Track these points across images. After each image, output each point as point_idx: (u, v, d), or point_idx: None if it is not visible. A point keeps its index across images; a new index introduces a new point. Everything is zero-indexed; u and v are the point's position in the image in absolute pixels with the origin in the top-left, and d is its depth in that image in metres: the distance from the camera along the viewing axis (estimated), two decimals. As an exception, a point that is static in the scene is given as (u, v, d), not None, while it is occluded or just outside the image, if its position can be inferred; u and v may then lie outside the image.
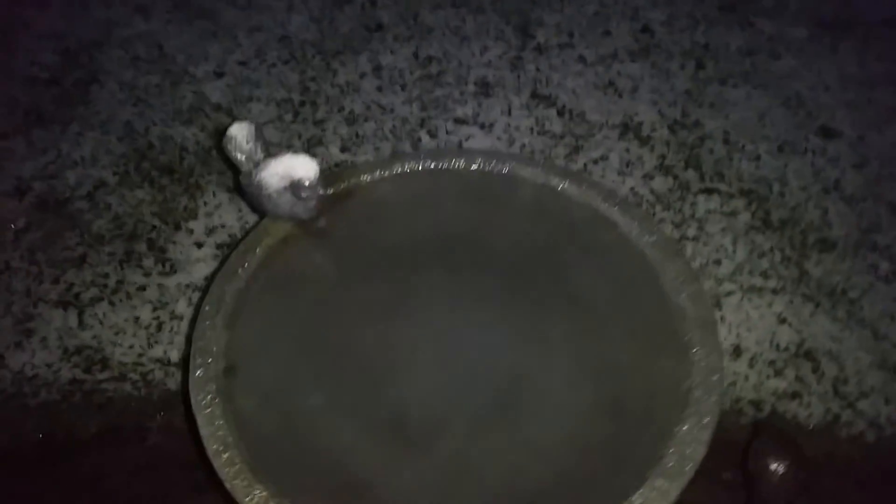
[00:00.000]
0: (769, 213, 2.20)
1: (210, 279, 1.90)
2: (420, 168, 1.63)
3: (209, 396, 1.33)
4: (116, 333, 2.02)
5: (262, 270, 1.50)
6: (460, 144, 2.33)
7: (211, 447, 1.27)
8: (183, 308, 2.07)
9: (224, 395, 1.34)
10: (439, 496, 1.28)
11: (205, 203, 2.27)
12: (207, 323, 1.41)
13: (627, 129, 2.41)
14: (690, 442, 1.24)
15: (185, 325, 2.04)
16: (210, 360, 1.37)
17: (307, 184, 1.45)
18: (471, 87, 2.52)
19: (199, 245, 2.18)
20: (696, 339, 1.34)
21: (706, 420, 1.26)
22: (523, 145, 2.35)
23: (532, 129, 2.40)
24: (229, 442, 1.28)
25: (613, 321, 1.44)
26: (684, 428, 1.26)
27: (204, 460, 1.81)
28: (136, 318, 2.05)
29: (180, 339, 2.02)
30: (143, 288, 2.10)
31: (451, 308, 1.49)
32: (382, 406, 1.39)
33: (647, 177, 2.28)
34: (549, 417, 1.36)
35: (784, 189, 2.27)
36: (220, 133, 2.39)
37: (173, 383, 1.94)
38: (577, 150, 2.33)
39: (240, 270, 1.48)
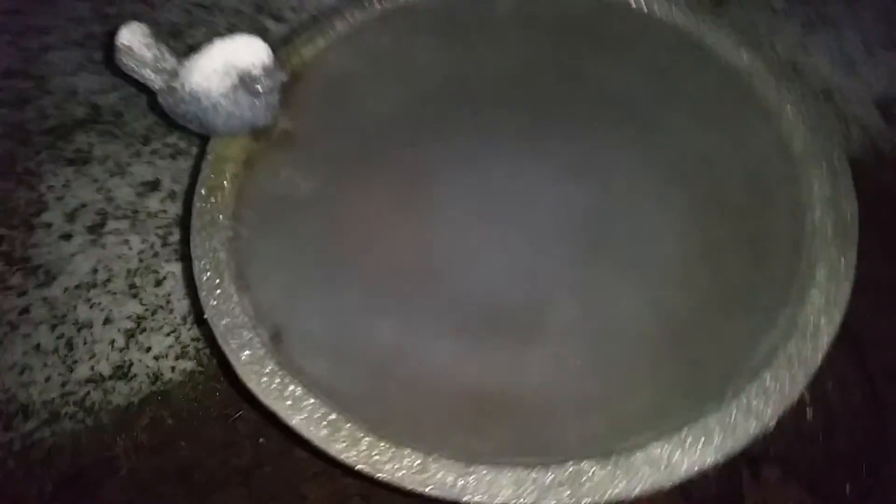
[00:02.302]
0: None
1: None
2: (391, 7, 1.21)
3: (278, 379, 0.93)
4: (21, 373, 1.50)
5: (244, 208, 1.07)
6: (315, 18, 1.89)
7: (317, 433, 0.90)
8: (85, 313, 1.56)
9: (288, 367, 0.95)
10: (546, 378, 1.00)
11: (49, 188, 1.70)
12: (218, 293, 0.98)
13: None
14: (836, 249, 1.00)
15: (97, 331, 1.55)
16: (250, 337, 0.96)
17: (262, 71, 1.02)
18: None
19: (67, 237, 1.65)
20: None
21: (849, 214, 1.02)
22: None
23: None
24: (334, 419, 0.90)
25: (704, 137, 1.15)
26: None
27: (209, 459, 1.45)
28: (37, 346, 1.52)
29: (102, 348, 1.53)
30: (25, 310, 1.56)
31: (493, 171, 1.16)
32: (463, 303, 1.06)
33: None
34: (656, 261, 1.08)
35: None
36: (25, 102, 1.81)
37: (120, 398, 1.49)
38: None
39: (219, 217, 1.04)
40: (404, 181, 1.13)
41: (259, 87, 1.04)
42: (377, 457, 0.90)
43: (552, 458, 0.90)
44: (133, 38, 1.05)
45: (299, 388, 0.93)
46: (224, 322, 0.97)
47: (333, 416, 0.92)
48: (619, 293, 1.04)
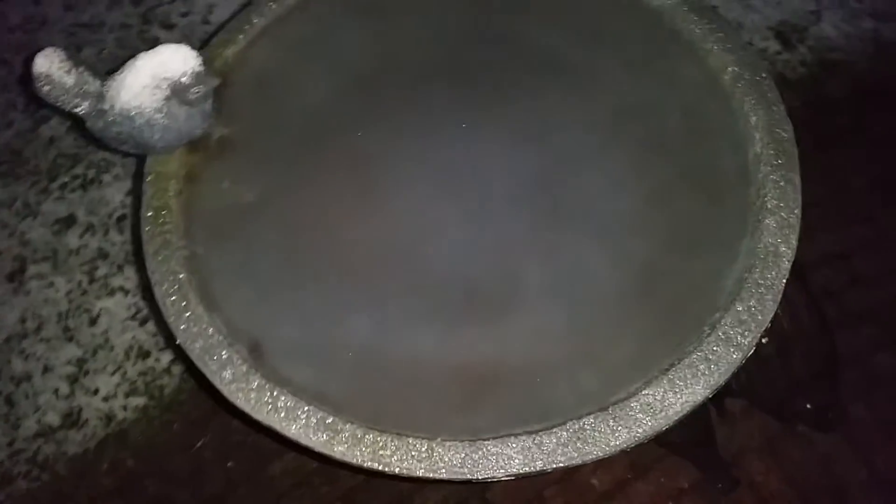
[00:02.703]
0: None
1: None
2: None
3: (267, 393, 0.90)
4: (-39, 443, 1.41)
5: (194, 224, 1.03)
6: (206, 21, 1.83)
7: (317, 439, 0.88)
8: (21, 366, 1.48)
9: (273, 378, 0.92)
10: (531, 345, 1.00)
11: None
12: (187, 315, 0.94)
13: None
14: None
15: (38, 382, 1.47)
16: (228, 355, 0.92)
17: (193, 79, 0.98)
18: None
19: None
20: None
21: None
22: None
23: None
24: (332, 422, 0.89)
25: (639, 83, 1.16)
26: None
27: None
28: (-26, 413, 1.44)
29: (47, 399, 1.46)
30: (-50, 377, 1.47)
31: (440, 146, 1.14)
32: (435, 283, 1.05)
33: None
34: (613, 213, 1.09)
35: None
36: None
37: (75, 447, 1.42)
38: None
39: (171, 238, 1.00)
40: (352, 169, 1.11)
41: (192, 95, 1.00)
42: (382, 451, 0.88)
43: (552, 421, 0.91)
44: (50, 64, 0.98)
45: (290, 398, 0.90)
46: (199, 344, 0.93)
47: (331, 420, 0.90)
48: (584, 250, 1.05)
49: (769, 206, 1.00)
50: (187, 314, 0.95)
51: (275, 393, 0.91)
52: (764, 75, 1.09)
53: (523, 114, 1.14)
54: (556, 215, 1.08)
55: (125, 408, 1.46)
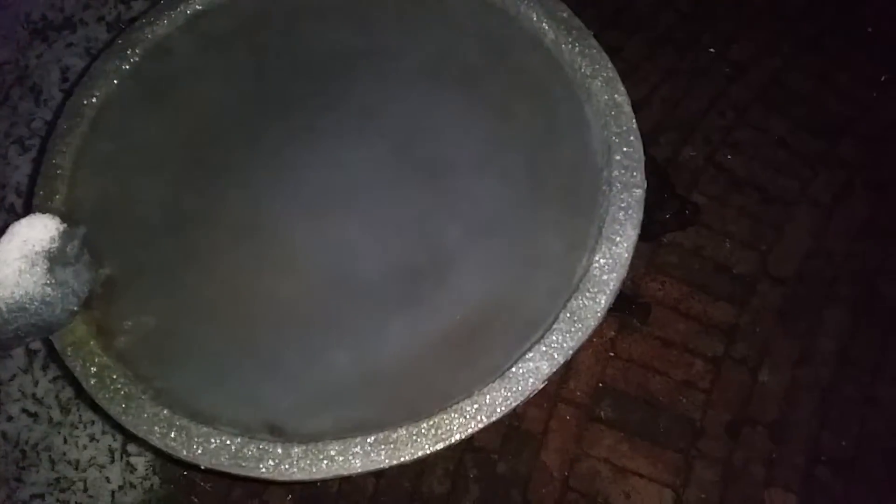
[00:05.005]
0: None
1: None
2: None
3: (317, 451, 0.93)
4: None
5: (140, 363, 1.01)
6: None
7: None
8: None
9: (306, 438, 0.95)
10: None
11: None
12: (205, 442, 0.93)
13: None
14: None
15: None
16: (263, 447, 0.94)
17: (63, 238, 0.95)
18: None
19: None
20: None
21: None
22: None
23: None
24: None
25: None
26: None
27: None
28: None
29: None
30: None
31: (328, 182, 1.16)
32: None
33: None
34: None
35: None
36: None
37: None
38: None
39: (129, 389, 0.97)
40: (246, 235, 1.11)
41: (71, 253, 0.95)
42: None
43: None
44: None
45: (342, 441, 0.93)
46: (226, 456, 0.93)
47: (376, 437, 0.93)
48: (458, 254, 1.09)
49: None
50: (199, 439, 0.93)
51: (324, 448, 0.93)
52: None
53: (396, 124, 1.18)
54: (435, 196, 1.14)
55: None
